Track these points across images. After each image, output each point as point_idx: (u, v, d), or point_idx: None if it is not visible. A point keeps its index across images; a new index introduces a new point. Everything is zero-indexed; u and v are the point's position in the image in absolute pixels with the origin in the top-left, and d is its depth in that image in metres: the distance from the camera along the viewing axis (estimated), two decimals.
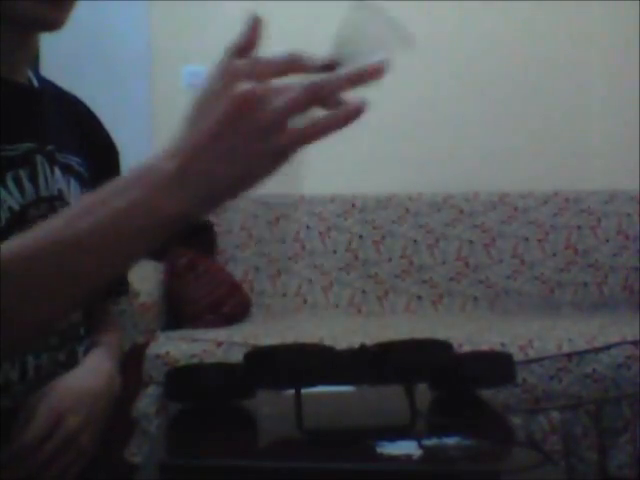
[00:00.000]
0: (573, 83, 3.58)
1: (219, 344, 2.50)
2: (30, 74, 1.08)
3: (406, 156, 3.56)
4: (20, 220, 0.96)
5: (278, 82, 0.69)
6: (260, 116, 0.66)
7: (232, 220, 3.31)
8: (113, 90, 3.35)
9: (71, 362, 1.09)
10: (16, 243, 0.70)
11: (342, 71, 0.70)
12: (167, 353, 2.46)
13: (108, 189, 0.69)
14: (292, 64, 0.70)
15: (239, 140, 0.67)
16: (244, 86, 0.67)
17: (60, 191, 1.04)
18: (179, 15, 3.53)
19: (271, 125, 0.67)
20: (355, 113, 0.69)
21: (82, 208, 0.69)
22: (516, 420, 2.35)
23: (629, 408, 2.42)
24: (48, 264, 0.68)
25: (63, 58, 2.90)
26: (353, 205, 3.35)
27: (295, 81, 0.69)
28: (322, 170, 3.53)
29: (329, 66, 0.71)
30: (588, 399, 2.42)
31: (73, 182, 1.07)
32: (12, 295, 0.68)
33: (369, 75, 0.70)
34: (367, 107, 0.70)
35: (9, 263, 0.68)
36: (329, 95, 0.69)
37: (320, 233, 3.30)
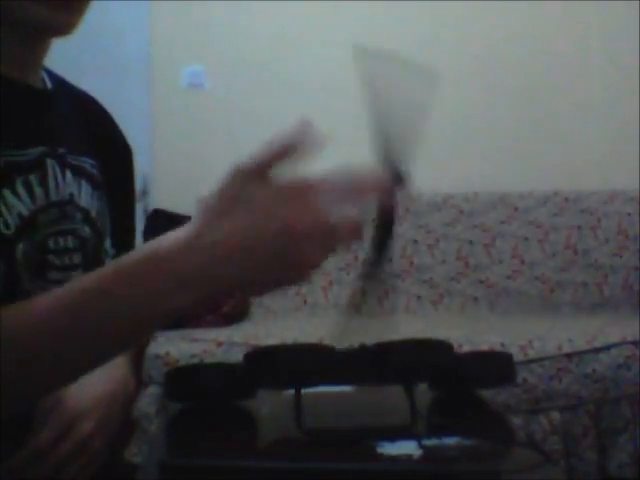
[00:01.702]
0: (573, 83, 3.58)
1: (219, 344, 2.50)
2: (44, 75, 1.07)
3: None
4: (30, 226, 0.95)
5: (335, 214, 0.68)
6: (307, 250, 0.66)
7: None
8: (113, 90, 3.35)
9: None
10: (17, 314, 0.71)
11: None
12: (167, 353, 2.46)
13: (119, 273, 0.69)
14: (358, 189, 0.70)
15: (277, 262, 0.66)
16: (301, 215, 0.66)
17: (71, 195, 1.03)
18: (179, 15, 3.53)
19: (317, 262, 0.67)
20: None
21: (89, 290, 0.69)
22: (516, 420, 2.35)
23: (629, 408, 2.42)
24: (45, 346, 0.69)
25: (63, 58, 2.90)
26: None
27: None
28: (322, 170, 3.53)
29: (398, 179, 0.70)
30: (588, 399, 2.42)
31: (84, 184, 1.07)
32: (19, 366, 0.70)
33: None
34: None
35: (8, 335, 0.69)
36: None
37: None
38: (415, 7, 3.49)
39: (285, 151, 0.69)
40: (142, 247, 0.70)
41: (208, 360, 2.40)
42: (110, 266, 0.70)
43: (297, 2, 3.45)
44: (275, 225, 0.66)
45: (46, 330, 0.69)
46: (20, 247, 0.91)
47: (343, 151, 3.84)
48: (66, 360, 0.70)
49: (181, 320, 2.86)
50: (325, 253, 0.67)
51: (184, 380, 1.02)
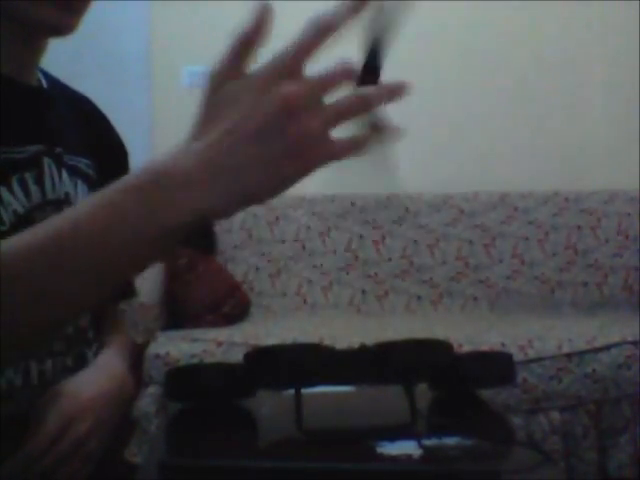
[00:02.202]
0: (573, 83, 3.58)
1: (219, 344, 2.50)
2: (40, 74, 1.07)
3: (406, 156, 3.55)
4: (25, 223, 0.95)
5: (320, 81, 0.66)
6: (307, 122, 0.63)
7: (232, 220, 3.30)
8: (113, 90, 3.35)
9: (80, 366, 1.08)
10: (16, 242, 0.66)
11: (386, 82, 0.68)
12: (167, 353, 2.46)
13: (120, 189, 0.65)
14: (335, 73, 0.67)
15: (280, 143, 0.63)
16: (290, 86, 0.63)
17: (67, 194, 1.03)
18: (179, 15, 3.53)
19: (317, 132, 0.64)
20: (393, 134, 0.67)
21: (91, 209, 0.65)
22: (516, 420, 2.35)
23: (629, 408, 2.42)
24: (54, 265, 0.65)
25: (63, 58, 2.90)
26: (353, 205, 3.35)
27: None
28: (322, 170, 3.53)
29: (371, 71, 0.69)
30: (588, 399, 2.42)
31: (80, 184, 1.07)
32: (12, 295, 0.65)
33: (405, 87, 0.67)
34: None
35: (9, 262, 0.65)
36: (375, 106, 0.67)
37: (320, 233, 3.30)
38: (415, 7, 3.49)
39: (249, 39, 0.68)
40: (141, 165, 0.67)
41: (208, 360, 2.40)
42: (111, 186, 0.66)
43: (297, 2, 3.45)
44: (267, 107, 0.63)
45: (53, 256, 0.64)
46: None
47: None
48: (73, 283, 0.65)
49: (181, 320, 2.86)
50: (327, 120, 0.64)
51: (184, 380, 1.02)
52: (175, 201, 0.63)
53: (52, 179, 1.01)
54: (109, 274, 0.66)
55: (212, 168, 0.63)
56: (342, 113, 0.66)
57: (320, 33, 0.67)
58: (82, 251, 0.65)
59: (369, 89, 0.67)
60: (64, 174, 1.03)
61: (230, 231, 3.28)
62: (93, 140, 1.13)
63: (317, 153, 0.65)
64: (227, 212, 0.66)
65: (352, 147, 0.67)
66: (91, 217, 0.65)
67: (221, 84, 0.66)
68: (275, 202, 3.32)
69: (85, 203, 0.68)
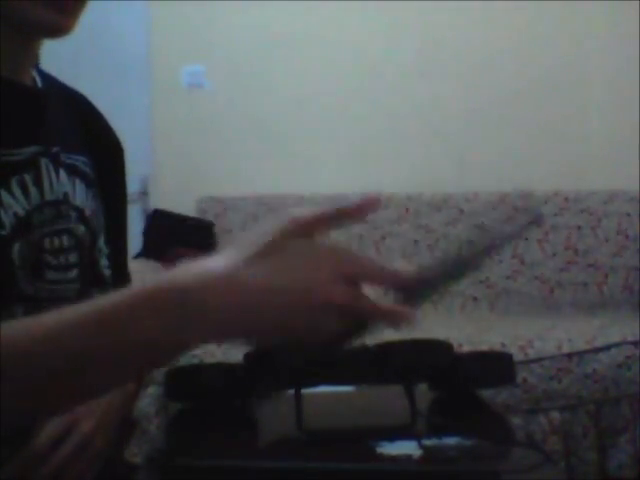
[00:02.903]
0: (573, 83, 3.58)
1: (219, 344, 2.50)
2: (34, 74, 1.07)
3: (406, 156, 3.56)
4: (25, 226, 0.95)
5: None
6: (333, 321, 0.66)
7: (232, 220, 3.30)
8: (113, 90, 3.35)
9: None
10: (20, 335, 0.65)
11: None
12: None
13: (135, 302, 0.65)
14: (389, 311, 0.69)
15: (300, 325, 0.66)
16: (344, 294, 0.66)
17: (65, 194, 1.03)
18: (179, 15, 3.53)
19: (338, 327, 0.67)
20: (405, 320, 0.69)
21: (102, 322, 0.64)
22: (516, 420, 2.35)
23: (629, 408, 2.42)
24: (57, 372, 0.64)
25: (63, 58, 2.90)
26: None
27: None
28: (322, 170, 3.53)
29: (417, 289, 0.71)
30: (588, 399, 2.42)
31: (78, 183, 1.07)
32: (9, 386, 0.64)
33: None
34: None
35: (7, 358, 0.63)
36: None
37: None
38: (416, 7, 3.49)
39: (341, 217, 0.71)
40: (165, 274, 0.66)
41: (208, 360, 2.40)
42: (130, 291, 0.66)
43: (297, 2, 3.45)
44: (317, 294, 0.65)
45: (53, 350, 0.64)
46: (16, 247, 0.91)
47: (344, 150, 3.84)
48: (70, 382, 0.66)
49: None
50: (343, 324, 0.67)
51: (184, 380, 1.02)
52: (193, 328, 0.64)
53: (50, 180, 1.01)
54: (91, 377, 0.66)
55: (238, 309, 0.64)
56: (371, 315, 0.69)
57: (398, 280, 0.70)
58: (93, 367, 0.65)
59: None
60: (62, 173, 1.03)
61: (230, 231, 3.28)
62: (90, 138, 1.13)
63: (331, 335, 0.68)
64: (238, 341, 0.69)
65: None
66: (91, 320, 0.65)
67: (290, 232, 0.68)
68: (275, 202, 3.32)
69: (100, 302, 0.67)
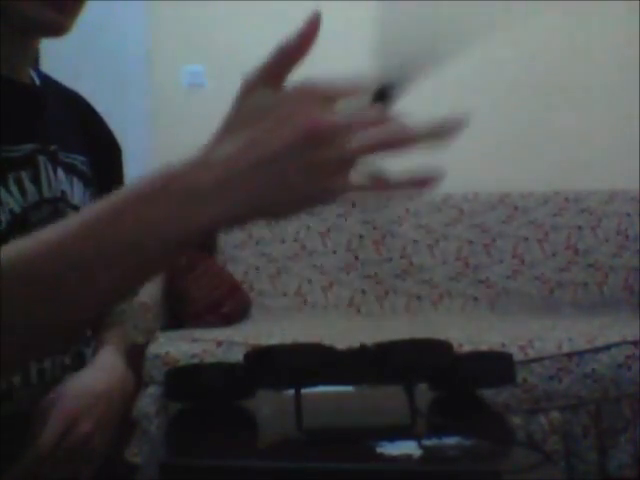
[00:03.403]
0: (573, 83, 3.58)
1: (219, 344, 2.50)
2: (32, 73, 1.07)
3: (406, 156, 3.55)
4: (21, 223, 0.95)
5: (347, 113, 0.64)
6: (327, 154, 0.62)
7: None
8: (113, 90, 3.35)
9: (78, 365, 1.08)
10: (20, 246, 0.65)
11: (419, 125, 0.66)
12: (167, 353, 2.46)
13: (130, 195, 0.64)
14: (368, 118, 0.65)
15: (296, 171, 0.62)
16: (319, 116, 0.62)
17: (63, 192, 1.03)
18: (179, 15, 3.53)
19: (335, 167, 0.63)
20: (426, 184, 0.67)
21: (100, 215, 0.64)
22: (516, 420, 2.35)
23: (629, 408, 2.42)
24: (60, 274, 0.63)
25: (63, 58, 2.90)
26: (353, 205, 3.35)
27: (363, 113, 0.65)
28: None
29: (383, 92, 0.67)
30: (588, 399, 2.42)
31: (76, 182, 1.07)
32: (13, 299, 0.63)
33: (446, 131, 0.68)
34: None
35: (11, 265, 0.63)
36: (400, 148, 0.66)
37: (320, 233, 3.30)
38: (415, 7, 3.49)
39: (294, 49, 0.67)
40: (155, 170, 0.65)
41: (208, 360, 2.40)
42: (123, 190, 0.64)
43: (297, 2, 3.45)
44: (292, 130, 0.62)
45: (58, 259, 0.63)
46: None
47: None
48: (81, 290, 0.64)
49: (181, 320, 2.86)
50: (353, 155, 0.63)
51: (184, 380, 1.02)
52: (180, 215, 0.62)
53: (48, 177, 1.01)
54: (104, 284, 0.64)
55: (227, 183, 0.62)
56: (366, 149, 0.64)
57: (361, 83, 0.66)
58: (76, 258, 0.63)
59: (399, 126, 0.66)
60: (60, 172, 1.03)
61: (230, 231, 3.28)
62: (87, 137, 1.13)
63: (333, 187, 0.64)
64: (233, 227, 0.66)
65: (361, 188, 0.67)
66: (92, 223, 0.64)
67: (255, 90, 0.66)
68: None
69: (92, 206, 0.66)
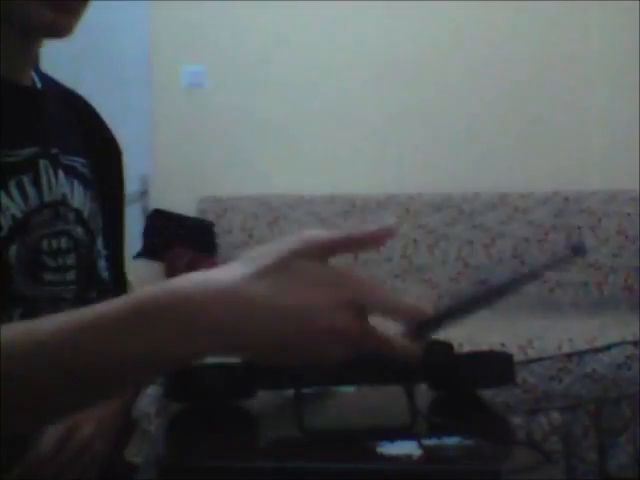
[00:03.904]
0: (573, 83, 3.58)
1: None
2: (33, 75, 1.07)
3: (406, 156, 3.56)
4: (22, 227, 0.95)
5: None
6: (329, 350, 0.65)
7: (232, 220, 3.30)
8: (113, 90, 3.35)
9: None
10: (18, 336, 0.64)
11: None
12: None
13: (135, 310, 0.62)
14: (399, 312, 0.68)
15: (313, 347, 0.64)
16: (340, 317, 0.64)
17: (64, 195, 1.03)
18: (179, 15, 3.53)
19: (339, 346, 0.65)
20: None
21: (93, 338, 0.62)
22: (516, 420, 2.35)
23: (629, 408, 2.42)
24: (57, 380, 0.63)
25: (63, 58, 2.90)
26: (353, 205, 3.35)
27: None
28: (322, 170, 3.53)
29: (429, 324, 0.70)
30: (588, 399, 2.42)
31: (77, 184, 1.06)
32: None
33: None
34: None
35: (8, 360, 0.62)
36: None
37: None
38: (415, 7, 3.49)
39: (356, 243, 0.70)
40: (162, 285, 0.64)
41: (208, 360, 2.40)
42: (130, 299, 0.64)
43: (297, 2, 3.45)
44: (323, 322, 0.63)
45: (48, 361, 0.62)
46: (13, 249, 0.90)
47: (344, 150, 3.83)
48: (70, 391, 0.64)
49: None
50: (343, 351, 0.66)
51: (184, 380, 1.02)
52: (183, 342, 0.63)
53: (49, 181, 1.00)
54: (91, 388, 0.65)
55: (247, 322, 0.62)
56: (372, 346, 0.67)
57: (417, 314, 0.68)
58: (67, 360, 0.63)
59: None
60: (60, 175, 1.03)
61: (230, 231, 3.28)
62: (87, 139, 1.13)
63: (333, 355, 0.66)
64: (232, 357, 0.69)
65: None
66: (90, 329, 0.63)
67: (303, 255, 0.66)
68: (275, 202, 3.32)
69: (92, 310, 0.65)
